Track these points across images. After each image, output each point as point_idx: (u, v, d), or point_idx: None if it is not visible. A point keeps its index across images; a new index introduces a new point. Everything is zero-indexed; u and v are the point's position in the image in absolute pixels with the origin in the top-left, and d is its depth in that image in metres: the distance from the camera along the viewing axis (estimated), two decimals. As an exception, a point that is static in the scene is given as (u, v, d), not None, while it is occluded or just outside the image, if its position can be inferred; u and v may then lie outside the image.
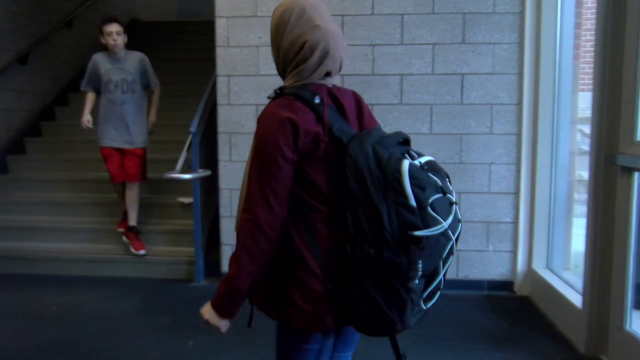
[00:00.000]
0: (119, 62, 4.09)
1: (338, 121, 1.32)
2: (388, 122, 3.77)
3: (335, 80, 1.41)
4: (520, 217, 3.73)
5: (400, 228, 1.18)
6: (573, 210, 4.33)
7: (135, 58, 4.14)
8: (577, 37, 3.98)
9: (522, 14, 3.62)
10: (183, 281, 3.96)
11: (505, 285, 3.78)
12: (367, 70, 3.76)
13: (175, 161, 3.80)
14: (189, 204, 4.24)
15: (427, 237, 1.18)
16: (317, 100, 1.29)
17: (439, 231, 1.20)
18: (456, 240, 1.28)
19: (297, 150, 1.27)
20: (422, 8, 3.69)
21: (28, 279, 4.10)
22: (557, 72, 3.54)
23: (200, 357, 2.77)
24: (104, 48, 4.14)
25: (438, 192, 1.22)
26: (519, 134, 3.70)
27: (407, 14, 3.70)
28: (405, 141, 1.35)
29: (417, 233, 1.17)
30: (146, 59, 4.19)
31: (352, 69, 3.76)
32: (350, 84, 3.76)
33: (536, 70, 3.60)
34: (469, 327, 3.18)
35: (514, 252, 3.77)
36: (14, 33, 5.61)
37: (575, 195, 4.57)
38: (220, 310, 1.34)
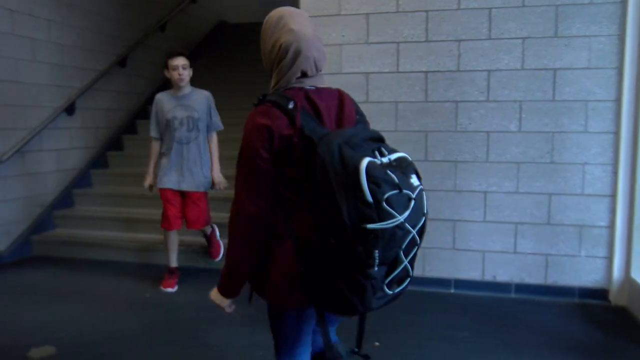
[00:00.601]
0: (185, 99, 3.79)
1: (310, 123, 1.46)
2: (473, 120, 3.66)
3: (316, 81, 1.55)
4: (617, 222, 3.48)
5: (358, 220, 1.30)
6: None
7: (202, 95, 3.85)
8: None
9: (623, 3, 3.37)
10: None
11: (599, 293, 3.55)
12: (452, 66, 3.67)
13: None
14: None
15: (382, 229, 1.30)
16: (290, 106, 1.45)
17: (393, 224, 1.31)
18: (421, 233, 1.42)
19: (273, 152, 1.45)
20: (511, 1, 3.54)
21: (126, 267, 4.42)
22: (663, 65, 3.27)
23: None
24: (167, 84, 3.92)
25: (394, 189, 1.32)
26: (616, 133, 3.46)
27: (495, 7, 3.57)
28: (379, 139, 1.48)
29: (371, 226, 1.29)
30: (212, 97, 3.90)
31: (436, 65, 3.68)
32: (434, 81, 3.73)
33: (639, 64, 3.34)
34: (558, 336, 3.02)
35: (609, 259, 3.54)
36: (116, 38, 6.04)
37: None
38: (224, 292, 1.59)
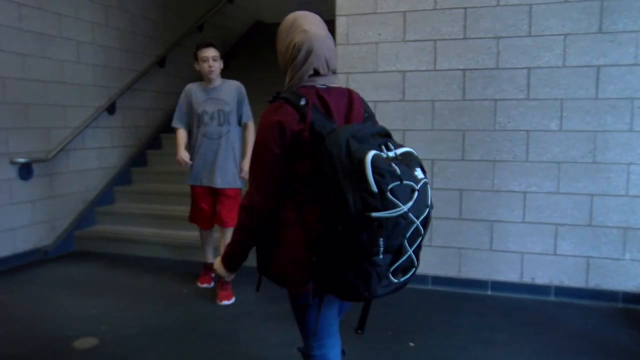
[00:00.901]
0: (215, 92, 3.62)
1: (320, 119, 1.55)
2: (513, 118, 3.58)
3: (328, 80, 1.64)
4: (665, 224, 3.36)
5: (363, 209, 1.36)
6: None
7: (232, 86, 3.67)
8: None
9: (672, -3, 3.25)
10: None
11: (645, 298, 3.44)
12: (490, 64, 3.60)
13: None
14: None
15: (386, 218, 1.36)
16: (302, 103, 1.55)
17: (397, 213, 1.37)
18: (425, 224, 1.47)
19: (284, 147, 1.54)
20: (553, -3, 3.46)
21: (163, 263, 4.52)
22: None
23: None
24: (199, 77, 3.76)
25: (396, 180, 1.38)
26: (665, 132, 3.33)
27: (536, 4, 3.49)
28: (386, 134, 1.54)
29: (376, 214, 1.36)
30: (243, 88, 3.71)
31: (474, 63, 3.63)
32: (472, 79, 3.68)
33: (689, 60, 3.21)
34: (600, 341, 2.93)
35: (656, 262, 3.41)
36: (155, 39, 6.18)
37: None
38: (226, 265, 1.76)
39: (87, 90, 5.16)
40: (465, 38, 3.64)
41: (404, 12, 3.74)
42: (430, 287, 3.84)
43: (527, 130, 3.58)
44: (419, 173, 1.46)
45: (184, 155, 3.62)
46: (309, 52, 1.59)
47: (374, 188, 1.35)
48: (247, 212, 1.62)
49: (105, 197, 5.41)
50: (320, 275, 1.52)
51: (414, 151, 1.53)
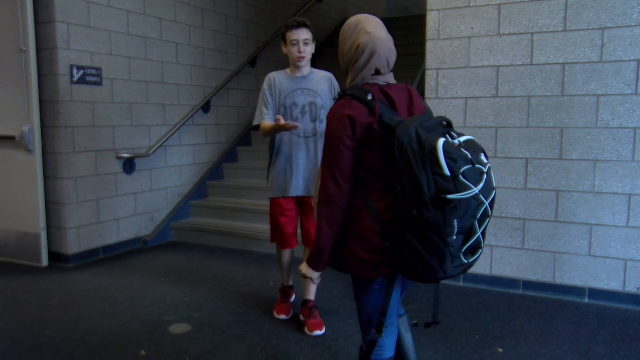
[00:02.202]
0: (305, 82, 3.05)
1: (388, 112, 1.65)
2: (618, 115, 3.33)
3: (388, 78, 1.76)
4: None
5: (437, 193, 1.46)
6: None
7: (324, 77, 3.12)
8: None
9: None
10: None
11: None
12: (594, 57, 3.37)
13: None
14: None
15: (459, 199, 1.46)
16: (369, 97, 1.66)
17: (469, 195, 1.47)
18: (491, 205, 1.55)
19: (355, 139, 1.65)
20: (668, -18, 3.17)
21: (252, 256, 4.69)
22: None
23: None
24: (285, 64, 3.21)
25: (468, 164, 1.49)
26: None
27: (648, -10, 3.21)
28: (447, 124, 1.62)
29: (451, 196, 1.45)
30: (335, 80, 3.15)
31: (575, 56, 3.41)
32: (572, 74, 3.47)
33: None
34: None
35: None
36: (247, 40, 6.41)
37: None
38: (313, 265, 1.77)
39: (184, 90, 5.45)
40: (565, 30, 3.43)
41: (499, 4, 3.59)
42: (521, 292, 3.66)
43: (634, 128, 3.31)
44: (483, 158, 1.57)
45: (284, 122, 2.76)
46: (372, 53, 1.70)
47: (447, 172, 1.46)
48: (328, 206, 1.68)
49: (199, 191, 5.69)
50: (396, 259, 1.60)
51: (475, 139, 1.63)
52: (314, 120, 3.03)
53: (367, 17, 1.80)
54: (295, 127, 2.79)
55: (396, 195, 1.55)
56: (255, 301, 3.55)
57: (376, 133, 1.63)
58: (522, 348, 2.82)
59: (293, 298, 3.42)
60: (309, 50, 3.00)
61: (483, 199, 1.50)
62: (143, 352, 2.80)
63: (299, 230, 3.24)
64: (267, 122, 3.04)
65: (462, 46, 3.71)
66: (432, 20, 3.80)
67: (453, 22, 3.73)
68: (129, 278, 4.07)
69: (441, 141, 1.49)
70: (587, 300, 3.50)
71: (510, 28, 3.58)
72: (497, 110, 3.64)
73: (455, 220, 1.48)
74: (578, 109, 3.44)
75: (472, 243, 1.55)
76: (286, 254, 3.25)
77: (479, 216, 1.52)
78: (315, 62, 7.20)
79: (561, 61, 3.46)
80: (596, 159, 3.42)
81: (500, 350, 2.79)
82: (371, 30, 1.72)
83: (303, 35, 2.96)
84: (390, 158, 1.57)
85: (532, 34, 3.52)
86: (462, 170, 1.46)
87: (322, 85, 3.07)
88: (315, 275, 1.81)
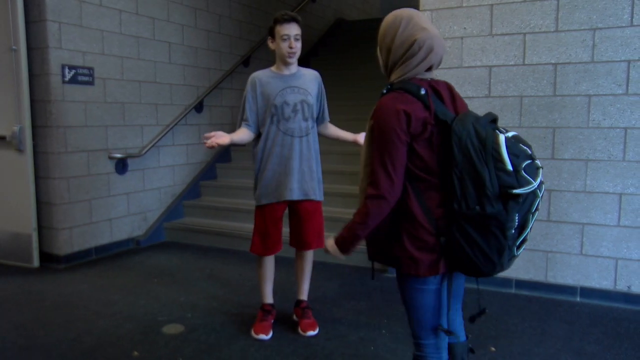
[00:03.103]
0: (294, 80, 2.90)
1: (440, 107, 1.63)
2: (609, 115, 3.36)
3: (432, 75, 1.73)
4: None
5: (499, 188, 1.48)
6: None
7: (312, 76, 2.99)
8: None
9: None
10: (380, 271, 4.09)
11: None
12: (585, 57, 3.40)
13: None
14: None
15: (521, 194, 1.48)
16: (422, 92, 1.62)
17: (530, 189, 1.49)
18: (541, 199, 1.56)
19: (409, 133, 1.60)
20: (658, -17, 3.20)
21: (246, 256, 4.64)
22: None
23: (393, 347, 2.84)
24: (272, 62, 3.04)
25: (528, 159, 1.52)
26: None
27: (639, -9, 3.24)
28: (493, 120, 1.62)
29: (515, 191, 1.48)
30: (321, 78, 3.04)
31: (566, 57, 3.43)
32: (564, 73, 3.49)
33: None
34: None
35: None
36: (241, 40, 6.40)
37: None
38: (342, 248, 1.76)
39: (177, 90, 5.44)
40: (557, 31, 3.45)
41: (492, 5, 3.61)
42: (513, 291, 3.69)
43: (624, 128, 3.34)
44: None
45: (219, 133, 2.80)
46: (430, 50, 1.66)
47: (510, 167, 1.48)
48: (378, 200, 1.62)
49: (192, 191, 5.68)
50: (453, 255, 1.60)
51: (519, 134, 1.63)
52: (306, 119, 2.90)
53: (417, 12, 1.74)
54: (220, 144, 2.78)
55: (454, 191, 1.54)
56: (249, 301, 3.55)
57: (430, 129, 1.60)
58: (515, 347, 2.83)
59: (273, 320, 3.10)
60: (299, 46, 2.86)
61: (539, 192, 1.53)
62: (136, 353, 2.79)
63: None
64: (243, 129, 2.99)
65: (455, 46, 3.73)
66: (425, 21, 3.80)
67: (446, 22, 3.74)
68: (122, 279, 4.05)
69: (503, 137, 1.51)
70: (579, 299, 3.52)
71: (502, 28, 3.60)
72: (489, 109, 3.63)
73: (517, 215, 1.50)
74: (570, 109, 3.46)
75: (525, 236, 1.58)
76: (270, 260, 3.07)
77: (533, 210, 1.54)
78: (309, 62, 7.20)
79: (553, 61, 3.48)
80: (588, 158, 3.45)
81: (494, 349, 2.81)
82: (426, 26, 1.67)
83: (294, 30, 2.82)
84: (445, 154, 1.57)
85: (524, 34, 3.54)
86: (523, 165, 1.49)
87: (311, 84, 2.95)
88: (342, 256, 1.81)
